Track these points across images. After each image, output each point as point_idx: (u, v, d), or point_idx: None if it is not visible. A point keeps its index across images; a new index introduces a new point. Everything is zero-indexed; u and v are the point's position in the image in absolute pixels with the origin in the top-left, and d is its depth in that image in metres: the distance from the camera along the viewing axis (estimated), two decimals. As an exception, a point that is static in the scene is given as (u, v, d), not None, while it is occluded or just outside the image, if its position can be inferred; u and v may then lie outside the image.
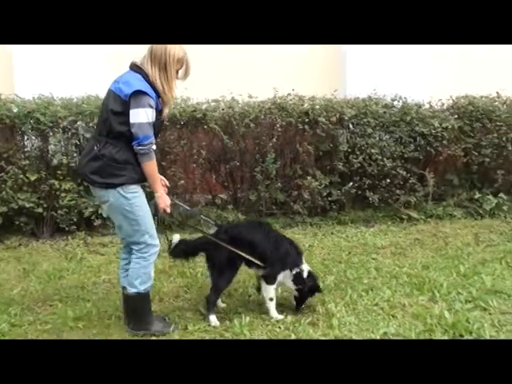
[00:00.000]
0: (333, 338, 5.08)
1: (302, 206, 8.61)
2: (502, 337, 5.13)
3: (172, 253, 5.63)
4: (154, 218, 5.19)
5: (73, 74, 8.86)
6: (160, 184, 5.12)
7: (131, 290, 5.13)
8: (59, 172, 7.91)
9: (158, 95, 4.91)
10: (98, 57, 9.19)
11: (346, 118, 8.70)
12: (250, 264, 5.62)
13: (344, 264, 7.10)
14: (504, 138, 9.23)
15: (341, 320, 5.43)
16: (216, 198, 8.68)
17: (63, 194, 7.89)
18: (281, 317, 5.52)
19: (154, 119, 4.87)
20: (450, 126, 8.99)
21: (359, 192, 8.85)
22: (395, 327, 5.29)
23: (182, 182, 8.32)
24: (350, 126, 8.82)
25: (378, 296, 6.03)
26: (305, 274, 5.65)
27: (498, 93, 9.51)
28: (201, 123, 8.37)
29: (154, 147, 4.94)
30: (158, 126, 5.03)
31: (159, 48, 4.87)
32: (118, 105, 4.84)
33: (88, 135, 7.92)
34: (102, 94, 8.06)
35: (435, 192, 9.20)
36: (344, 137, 8.75)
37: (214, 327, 5.31)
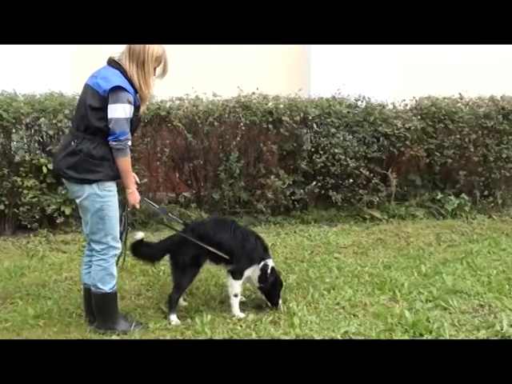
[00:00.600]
0: (294, 336, 5.09)
1: (265, 204, 8.63)
2: (462, 336, 5.17)
3: (136, 253, 5.61)
4: (121, 215, 5.22)
5: (36, 70, 8.75)
6: (133, 181, 5.14)
7: (97, 291, 5.12)
8: (22, 169, 7.84)
9: (136, 91, 4.92)
10: (61, 53, 9.09)
11: (310, 117, 8.76)
12: (217, 261, 5.65)
13: (306, 263, 7.13)
14: (466, 139, 9.31)
15: (302, 319, 5.44)
16: (179, 196, 8.65)
17: (25, 191, 7.81)
18: (242, 315, 5.54)
19: (131, 115, 4.88)
20: (412, 127, 9.06)
21: (322, 191, 8.88)
22: (356, 326, 5.32)
23: (146, 180, 8.29)
24: (314, 125, 8.87)
25: (340, 295, 6.05)
26: (269, 270, 5.70)
27: (460, 94, 9.61)
28: (165, 121, 8.36)
29: (130, 143, 4.96)
30: (135, 123, 5.06)
31: (138, 46, 4.89)
32: (96, 100, 4.83)
33: (51, 132, 7.88)
34: (66, 91, 8.16)
35: (398, 192, 9.28)
36: (308, 136, 8.81)
37: (174, 326, 5.30)
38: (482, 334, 5.20)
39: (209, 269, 6.68)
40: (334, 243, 7.96)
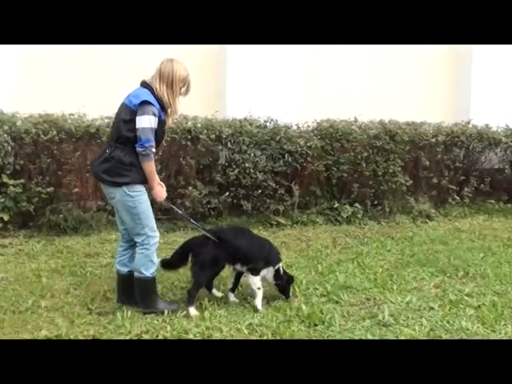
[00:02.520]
0: (204, 328, 5.17)
1: (183, 212, 8.55)
2: (349, 325, 5.38)
3: (168, 266, 5.88)
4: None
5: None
6: (156, 182, 5.42)
7: (140, 276, 5.46)
8: (-40, 178, 7.73)
9: (162, 107, 5.30)
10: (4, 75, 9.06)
11: (224, 136, 8.84)
12: (234, 262, 5.83)
13: (218, 263, 7.14)
14: (359, 157, 9.50)
15: (212, 313, 5.53)
16: (107, 204, 8.60)
17: (-34, 199, 7.71)
18: (261, 310, 5.71)
19: (156, 126, 5.23)
20: (313, 145, 9.20)
21: (235, 201, 8.94)
22: (259, 318, 5.44)
23: (77, 189, 8.28)
24: (228, 143, 8.91)
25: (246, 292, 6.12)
26: (281, 271, 5.99)
27: (355, 117, 9.84)
28: (94, 137, 8.35)
29: (154, 150, 5.29)
30: (160, 135, 5.43)
31: (167, 68, 5.30)
32: (127, 114, 5.23)
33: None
34: (6, 109, 8.12)
35: (300, 201, 9.37)
36: (222, 152, 8.85)
37: (194, 316, 5.48)
38: (367, 323, 5.43)
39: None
40: (244, 246, 8.00)
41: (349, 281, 6.62)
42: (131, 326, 5.19)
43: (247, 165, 8.88)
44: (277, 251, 6.12)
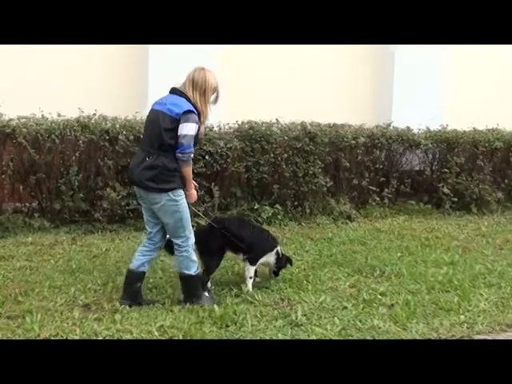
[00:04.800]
0: (114, 331, 5.21)
1: (102, 214, 8.67)
2: (262, 326, 5.51)
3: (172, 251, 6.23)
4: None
5: None
6: (192, 184, 5.87)
7: (184, 275, 5.91)
8: None
9: (198, 114, 5.59)
10: None
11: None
12: (236, 251, 6.50)
13: (135, 266, 7.23)
14: (279, 158, 9.76)
15: (124, 315, 5.59)
16: (24, 206, 8.65)
17: None
18: (251, 291, 6.39)
19: (195, 133, 5.58)
20: (233, 147, 9.44)
21: (154, 202, 8.99)
22: (171, 320, 5.51)
23: (-9, 191, 8.30)
24: (147, 143, 8.98)
25: (161, 294, 6.28)
26: (280, 254, 6.69)
27: (277, 119, 10.08)
28: (10, 138, 8.37)
29: (192, 155, 5.68)
30: (196, 141, 5.73)
31: (200, 77, 5.63)
32: (168, 123, 5.52)
33: None
34: None
35: (221, 202, 9.54)
36: (141, 153, 8.90)
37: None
38: (279, 323, 5.58)
39: (45, 272, 6.82)
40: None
41: (264, 281, 6.79)
42: (40, 329, 5.19)
43: (167, 166, 8.93)
44: (273, 237, 6.80)
